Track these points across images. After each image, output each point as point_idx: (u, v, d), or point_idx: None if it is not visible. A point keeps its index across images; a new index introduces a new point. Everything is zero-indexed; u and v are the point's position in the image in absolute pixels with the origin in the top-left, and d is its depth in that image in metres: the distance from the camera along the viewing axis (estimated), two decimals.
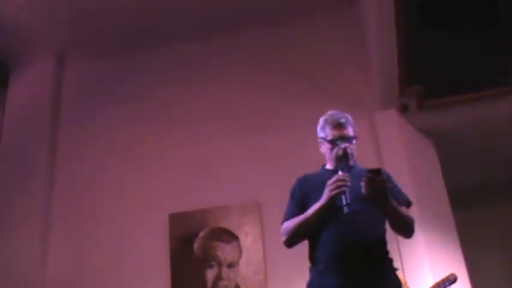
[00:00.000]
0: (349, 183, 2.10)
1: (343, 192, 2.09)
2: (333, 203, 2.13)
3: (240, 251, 4.22)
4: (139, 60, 5.19)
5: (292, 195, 2.41)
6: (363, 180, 2.08)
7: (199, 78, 4.98)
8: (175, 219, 4.41)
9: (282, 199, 4.05)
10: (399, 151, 4.16)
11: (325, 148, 2.39)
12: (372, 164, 2.38)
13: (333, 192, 2.11)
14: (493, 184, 5.56)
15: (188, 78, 5.01)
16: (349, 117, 2.38)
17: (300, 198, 2.34)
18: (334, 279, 2.12)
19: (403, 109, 4.33)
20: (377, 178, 2.07)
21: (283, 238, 2.32)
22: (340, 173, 2.17)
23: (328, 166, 2.40)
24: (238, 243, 4.25)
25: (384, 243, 2.24)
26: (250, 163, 4.50)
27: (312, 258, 2.29)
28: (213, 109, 4.84)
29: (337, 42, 4.80)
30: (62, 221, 4.66)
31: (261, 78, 4.82)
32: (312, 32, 4.89)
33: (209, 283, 4.16)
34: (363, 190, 2.08)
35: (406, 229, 2.26)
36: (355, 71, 4.62)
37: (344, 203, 2.08)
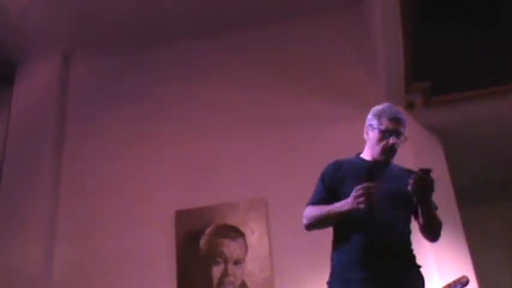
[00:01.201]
0: (374, 195, 2.06)
1: (369, 204, 2.06)
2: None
3: (246, 247, 4.23)
4: (143, 58, 5.19)
5: (322, 179, 2.35)
6: (412, 178, 2.08)
7: (207, 76, 4.98)
8: (182, 216, 4.41)
9: (288, 196, 4.11)
10: (405, 148, 4.13)
11: (372, 136, 2.34)
12: None
13: (359, 206, 2.07)
14: (500, 182, 5.53)
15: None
16: (404, 117, 2.38)
17: (330, 182, 2.31)
18: (358, 274, 2.12)
19: (409, 106, 4.31)
20: (428, 178, 2.08)
21: (304, 222, 2.29)
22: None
23: (366, 155, 2.38)
24: (244, 240, 4.25)
25: (409, 243, 2.25)
26: (256, 160, 4.50)
27: (335, 247, 2.28)
28: (217, 107, 4.84)
29: (343, 39, 4.78)
30: (68, 219, 4.67)
31: (266, 77, 4.81)
32: (317, 30, 4.88)
33: (215, 280, 4.17)
34: (409, 187, 2.08)
35: (435, 232, 2.27)
36: (361, 68, 4.61)
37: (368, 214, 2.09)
